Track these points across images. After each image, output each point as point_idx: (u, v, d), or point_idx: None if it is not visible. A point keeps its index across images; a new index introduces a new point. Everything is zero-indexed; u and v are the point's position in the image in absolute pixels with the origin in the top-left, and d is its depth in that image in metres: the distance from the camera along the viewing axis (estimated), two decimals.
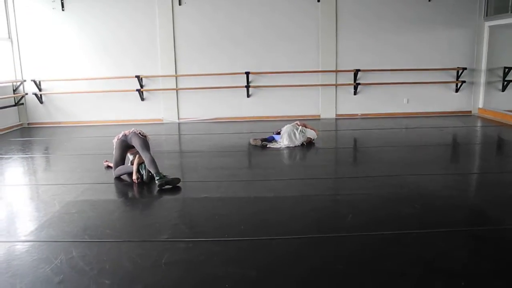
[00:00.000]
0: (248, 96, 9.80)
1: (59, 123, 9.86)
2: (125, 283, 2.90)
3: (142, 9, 9.50)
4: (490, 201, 4.40)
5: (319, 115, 9.83)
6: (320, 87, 9.81)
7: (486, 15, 9.53)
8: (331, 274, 2.95)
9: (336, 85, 9.80)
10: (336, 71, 9.70)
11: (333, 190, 4.96)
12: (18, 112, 9.87)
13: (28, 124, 9.95)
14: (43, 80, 9.75)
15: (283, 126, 7.16)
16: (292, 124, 7.14)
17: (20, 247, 3.53)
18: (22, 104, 9.83)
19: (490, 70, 9.76)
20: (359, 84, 9.73)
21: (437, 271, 2.96)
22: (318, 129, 7.43)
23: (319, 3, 9.43)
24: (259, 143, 6.96)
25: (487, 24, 9.51)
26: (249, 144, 7.03)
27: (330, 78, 9.72)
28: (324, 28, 9.56)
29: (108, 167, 5.79)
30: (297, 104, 9.78)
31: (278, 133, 7.17)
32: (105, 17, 9.55)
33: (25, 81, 9.74)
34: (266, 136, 7.21)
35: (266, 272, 3.02)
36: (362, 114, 9.90)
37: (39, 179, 5.92)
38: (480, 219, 4.03)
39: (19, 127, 9.76)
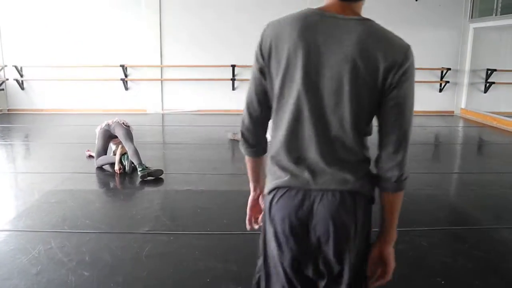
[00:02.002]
0: (234, 89, 9.76)
1: (40, 110, 9.66)
2: (105, 275, 2.86)
3: None
4: (470, 200, 4.48)
5: None
6: None
7: (471, 17, 9.64)
8: None
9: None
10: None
11: None
12: None
13: (8, 110, 9.73)
14: (24, 66, 9.54)
15: None
16: None
17: None
18: (2, 89, 9.60)
19: (473, 71, 9.89)
20: None
21: (417, 269, 3.00)
22: None
23: None
24: (238, 137, 6.90)
25: (472, 26, 9.63)
26: (228, 139, 6.90)
27: None
28: None
29: (90, 156, 5.71)
30: None
31: None
32: (91, 4, 9.37)
33: (6, 66, 9.51)
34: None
35: (247, 266, 3.00)
36: None
37: (18, 167, 5.81)
38: (460, 218, 4.09)
39: None
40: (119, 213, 4.13)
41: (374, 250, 1.44)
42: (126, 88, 9.72)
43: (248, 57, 9.17)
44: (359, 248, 1.38)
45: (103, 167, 5.26)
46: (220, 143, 6.81)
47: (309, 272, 1.39)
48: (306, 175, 1.32)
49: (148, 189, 4.71)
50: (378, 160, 1.36)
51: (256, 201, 1.64)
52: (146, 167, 4.88)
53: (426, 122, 9.07)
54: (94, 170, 5.24)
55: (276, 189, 1.37)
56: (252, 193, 1.64)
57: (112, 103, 9.65)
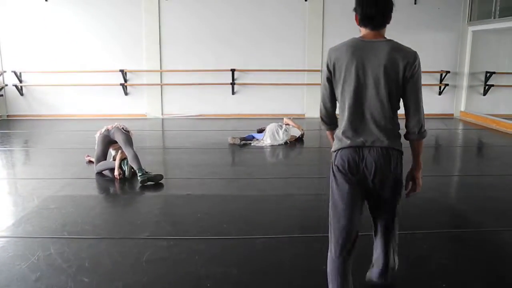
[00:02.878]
0: (233, 93, 9.76)
1: (40, 115, 9.66)
2: (105, 281, 2.85)
3: (128, 2, 9.37)
4: (471, 203, 4.47)
5: (304, 114, 9.82)
6: (305, 86, 9.82)
7: (470, 20, 9.66)
8: (314, 274, 2.94)
9: (321, 85, 9.80)
10: (322, 71, 9.70)
11: (317, 189, 4.95)
12: None
13: (8, 116, 9.73)
14: (24, 72, 9.55)
15: (266, 125, 7.15)
16: (278, 123, 7.13)
17: None
18: (2, 95, 9.59)
19: (472, 74, 9.92)
20: None
21: (418, 272, 2.98)
22: (303, 128, 7.40)
23: (307, 2, 9.45)
24: (238, 141, 6.91)
25: (471, 28, 9.65)
26: (228, 143, 6.95)
27: (316, 77, 9.72)
28: (310, 27, 9.58)
29: (90, 162, 5.70)
30: (282, 102, 9.77)
31: (260, 132, 7.15)
32: (90, 9, 9.39)
33: (5, 72, 9.52)
34: (246, 135, 7.15)
35: (248, 271, 3.00)
36: None
37: (18, 173, 5.79)
38: (460, 221, 4.08)
39: None
40: (119, 218, 4.12)
41: (411, 174, 2.39)
42: (126, 93, 9.72)
43: (247, 62, 9.20)
44: (394, 181, 2.21)
45: (103, 172, 5.25)
46: (219, 148, 6.80)
47: (360, 196, 2.25)
48: (361, 139, 2.14)
49: (148, 194, 4.70)
50: (406, 122, 2.20)
51: None
52: (146, 172, 4.87)
53: (426, 125, 9.02)
54: (93, 175, 5.23)
55: (340, 149, 2.20)
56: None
57: (112, 108, 9.65)
